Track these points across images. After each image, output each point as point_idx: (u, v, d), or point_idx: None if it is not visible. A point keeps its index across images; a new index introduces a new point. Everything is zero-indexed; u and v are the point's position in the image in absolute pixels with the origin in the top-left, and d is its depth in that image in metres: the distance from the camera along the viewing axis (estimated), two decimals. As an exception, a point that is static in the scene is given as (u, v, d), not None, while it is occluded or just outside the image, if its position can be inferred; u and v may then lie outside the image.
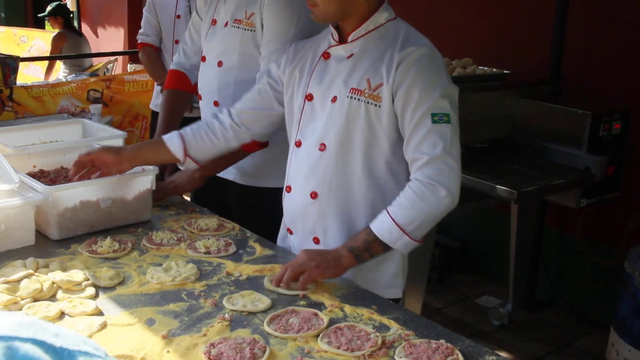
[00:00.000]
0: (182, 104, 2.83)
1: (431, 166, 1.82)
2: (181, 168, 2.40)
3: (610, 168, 3.40)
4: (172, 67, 2.83)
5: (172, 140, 2.21)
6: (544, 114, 3.60)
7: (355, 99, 1.92)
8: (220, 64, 2.53)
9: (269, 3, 2.39)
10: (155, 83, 4.30)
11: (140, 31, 4.32)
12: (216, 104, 2.56)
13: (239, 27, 2.47)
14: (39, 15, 8.49)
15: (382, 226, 1.85)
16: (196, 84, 2.72)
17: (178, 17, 4.12)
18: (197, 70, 2.70)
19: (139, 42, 4.32)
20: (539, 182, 3.24)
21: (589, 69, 4.00)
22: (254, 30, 2.43)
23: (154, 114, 4.32)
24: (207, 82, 2.60)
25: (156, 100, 4.21)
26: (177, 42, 4.08)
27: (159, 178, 2.52)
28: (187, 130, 2.23)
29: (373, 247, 1.88)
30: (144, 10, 4.33)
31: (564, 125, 3.49)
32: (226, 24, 2.51)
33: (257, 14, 2.42)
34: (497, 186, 3.13)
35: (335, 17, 1.95)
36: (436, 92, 1.85)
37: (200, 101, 2.67)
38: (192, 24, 2.76)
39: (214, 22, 2.58)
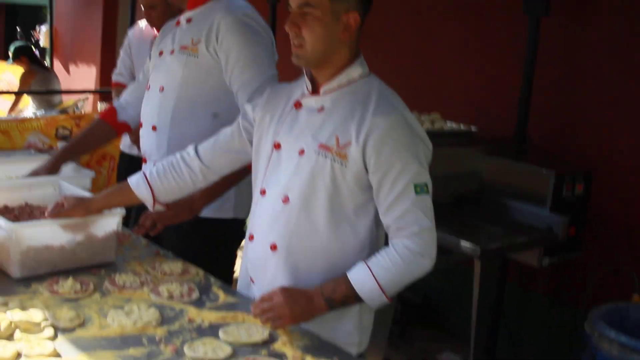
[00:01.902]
0: (99, 134, 2.88)
1: (420, 237, 1.87)
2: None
3: (572, 228, 3.45)
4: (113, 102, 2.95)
5: (139, 188, 2.22)
6: (509, 171, 3.65)
7: (322, 155, 1.92)
8: (162, 89, 2.61)
9: (227, 30, 2.46)
10: None
11: (115, 70, 4.34)
12: (154, 128, 2.62)
13: (183, 53, 2.56)
14: (8, 55, 8.42)
15: (364, 285, 1.88)
16: (122, 123, 2.84)
17: None
18: (130, 109, 2.83)
19: (113, 81, 4.33)
20: (502, 240, 3.28)
21: (554, 129, 4.09)
22: (197, 56, 2.51)
23: (123, 155, 4.30)
24: (148, 108, 2.67)
25: (125, 141, 4.19)
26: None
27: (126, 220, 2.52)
28: (154, 174, 2.22)
29: (349, 301, 1.91)
30: (120, 50, 4.35)
31: (528, 183, 3.54)
32: (172, 52, 2.60)
33: (203, 41, 2.50)
34: (461, 242, 3.16)
35: (318, 61, 1.94)
36: (415, 162, 1.88)
37: (141, 128, 2.71)
38: (147, 65, 2.86)
39: (160, 53, 2.68)
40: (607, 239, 3.80)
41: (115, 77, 4.34)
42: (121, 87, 4.24)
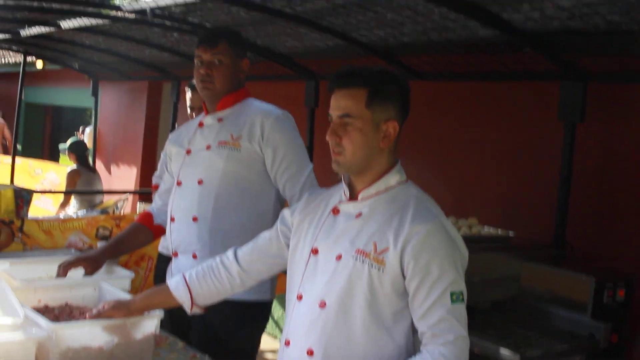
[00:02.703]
0: (138, 236, 2.97)
1: (455, 345, 1.85)
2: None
3: (614, 335, 3.36)
4: (147, 208, 3.06)
5: (178, 290, 2.25)
6: (548, 277, 3.60)
7: (359, 260, 1.93)
8: (200, 181, 2.73)
9: (272, 128, 2.66)
10: None
11: (155, 173, 4.43)
12: (195, 219, 2.71)
13: (224, 147, 2.70)
14: (60, 145, 8.74)
15: None
16: (158, 226, 2.94)
17: None
18: (163, 214, 2.93)
19: (153, 183, 4.42)
20: (543, 347, 3.20)
21: (593, 234, 4.05)
22: (239, 150, 2.67)
23: (160, 256, 4.32)
24: (184, 201, 2.77)
25: (164, 242, 4.23)
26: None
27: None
28: (193, 277, 2.25)
29: None
30: (162, 153, 4.47)
31: (568, 289, 3.48)
32: (208, 147, 2.74)
33: (245, 137, 2.66)
34: (500, 349, 3.10)
35: (358, 166, 1.98)
36: (452, 270, 1.89)
37: (172, 223, 2.80)
38: (163, 172, 3.07)
39: (188, 151, 2.82)
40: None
41: (156, 179, 4.42)
42: None
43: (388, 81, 1.99)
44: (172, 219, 2.81)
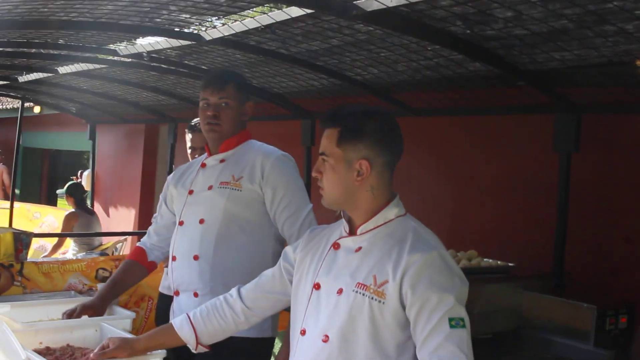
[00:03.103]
0: (133, 273, 2.97)
1: None
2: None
3: (618, 363, 3.36)
4: (137, 244, 3.05)
5: (182, 329, 2.25)
6: (549, 307, 3.59)
7: (360, 293, 1.93)
8: (202, 221, 2.75)
9: (272, 168, 2.70)
10: (164, 265, 4.33)
11: (154, 215, 4.41)
12: (196, 257, 2.72)
13: (226, 188, 2.73)
14: (57, 191, 8.77)
15: None
16: (151, 262, 2.97)
17: None
18: (156, 250, 2.97)
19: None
20: (547, 377, 3.19)
21: (592, 263, 4.05)
22: (240, 190, 2.70)
23: (161, 296, 4.31)
24: (186, 240, 2.78)
25: (165, 282, 4.22)
26: None
27: None
28: (197, 316, 2.26)
29: None
30: (160, 195, 4.44)
31: (570, 319, 3.47)
32: (210, 187, 2.77)
33: (246, 178, 2.70)
34: (504, 380, 3.09)
35: (339, 204, 2.04)
36: (452, 297, 1.87)
37: (173, 262, 2.81)
38: (161, 211, 3.07)
39: (190, 192, 2.85)
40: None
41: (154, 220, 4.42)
42: None
43: (360, 120, 2.01)
44: (174, 258, 2.82)
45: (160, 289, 4.41)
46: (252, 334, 2.58)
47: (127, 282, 3.01)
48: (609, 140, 4.13)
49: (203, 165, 2.90)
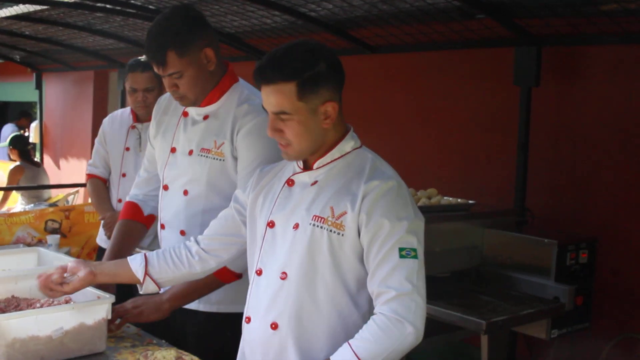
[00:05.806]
0: (133, 234, 2.76)
1: (398, 302, 1.77)
2: (140, 292, 2.27)
3: (579, 298, 3.37)
4: (127, 198, 2.80)
5: (134, 260, 2.17)
6: (510, 243, 3.59)
7: (317, 226, 1.87)
8: (185, 192, 2.50)
9: (244, 134, 2.38)
10: (100, 217, 4.06)
11: (89, 162, 4.13)
12: (183, 233, 2.52)
13: (207, 157, 2.45)
14: (-1, 144, 8.50)
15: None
16: (149, 215, 2.73)
17: (127, 149, 3.90)
18: (151, 201, 2.72)
19: (87, 172, 4.14)
20: (508, 313, 3.18)
21: (553, 199, 4.04)
22: (224, 160, 2.42)
23: (101, 250, 4.07)
24: (172, 211, 2.55)
25: (102, 236, 4.02)
26: (124, 175, 3.90)
27: None
28: (152, 252, 2.19)
29: None
30: (95, 140, 4.15)
31: (531, 255, 3.48)
32: (190, 152, 2.49)
33: (227, 144, 2.41)
34: (465, 317, 3.06)
35: (309, 152, 1.93)
36: (403, 227, 1.82)
37: (162, 230, 2.60)
38: (147, 154, 2.77)
39: (173, 149, 2.55)
40: (616, 307, 3.70)
41: (90, 168, 4.12)
42: (96, 178, 4.04)
43: (314, 66, 1.86)
44: (162, 226, 2.61)
45: (98, 241, 4.16)
46: (238, 309, 2.44)
47: (130, 246, 2.72)
48: (570, 73, 4.07)
49: (185, 114, 2.57)
